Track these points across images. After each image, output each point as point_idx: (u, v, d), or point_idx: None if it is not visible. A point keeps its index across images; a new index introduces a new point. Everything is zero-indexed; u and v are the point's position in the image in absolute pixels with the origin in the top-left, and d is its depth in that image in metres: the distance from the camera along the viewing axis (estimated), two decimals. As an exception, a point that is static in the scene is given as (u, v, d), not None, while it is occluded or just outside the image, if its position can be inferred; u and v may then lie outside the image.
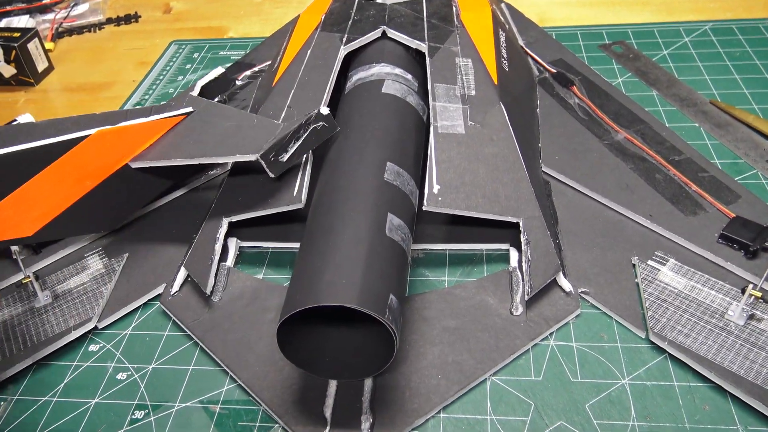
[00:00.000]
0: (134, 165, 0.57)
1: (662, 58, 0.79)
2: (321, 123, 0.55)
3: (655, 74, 0.76)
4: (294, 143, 0.54)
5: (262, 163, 0.53)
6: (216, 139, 0.56)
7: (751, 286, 0.47)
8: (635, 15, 0.90)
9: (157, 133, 0.59)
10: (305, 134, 0.55)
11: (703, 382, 0.45)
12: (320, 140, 0.56)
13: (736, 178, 0.60)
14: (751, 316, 0.47)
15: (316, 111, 0.55)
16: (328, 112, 0.56)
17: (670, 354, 0.47)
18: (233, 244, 0.59)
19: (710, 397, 0.44)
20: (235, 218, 0.56)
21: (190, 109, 0.61)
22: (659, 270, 0.52)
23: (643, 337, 0.48)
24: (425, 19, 0.69)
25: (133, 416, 0.47)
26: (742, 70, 0.75)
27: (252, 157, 0.52)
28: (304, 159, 0.56)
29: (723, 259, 0.52)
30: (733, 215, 0.54)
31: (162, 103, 0.77)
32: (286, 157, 0.54)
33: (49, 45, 0.97)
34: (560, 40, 0.83)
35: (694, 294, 0.50)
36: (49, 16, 1.04)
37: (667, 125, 0.67)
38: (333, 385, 0.47)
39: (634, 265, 0.53)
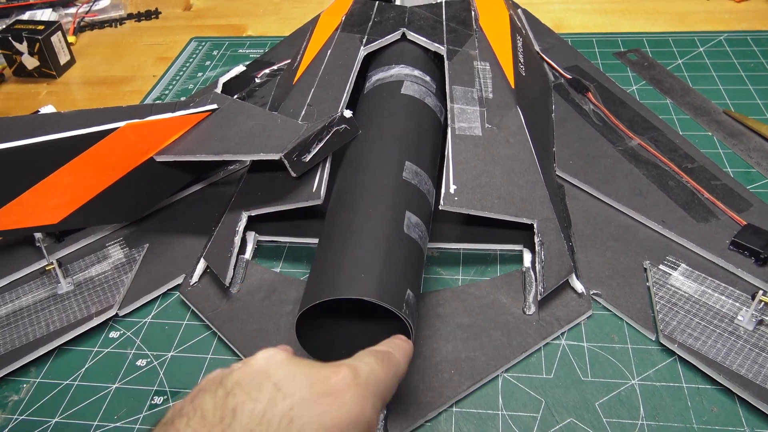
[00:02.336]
0: (159, 159, 0.58)
1: (677, 67, 0.80)
2: (343, 126, 0.57)
3: (670, 83, 0.77)
4: (317, 144, 0.56)
5: (285, 162, 0.54)
6: (240, 137, 0.57)
7: (761, 292, 0.48)
8: (650, 24, 0.91)
9: (182, 129, 0.61)
10: (328, 136, 0.57)
11: (712, 385, 0.46)
12: (342, 142, 0.57)
13: (748, 187, 0.61)
14: (761, 322, 0.48)
15: (339, 113, 0.57)
16: (351, 114, 0.57)
17: (679, 356, 0.47)
18: (251, 237, 0.60)
19: (718, 400, 0.45)
20: (254, 212, 0.58)
21: (214, 106, 0.63)
22: (670, 274, 0.53)
23: (653, 339, 0.49)
24: (444, 23, 0.70)
25: (153, 402, 0.48)
26: (756, 81, 0.76)
27: (276, 156, 0.54)
28: (323, 156, 0.58)
29: (734, 266, 0.53)
30: (745, 223, 0.55)
31: (183, 98, 0.79)
32: (308, 157, 0.56)
33: (71, 39, 0.99)
34: (576, 47, 0.84)
35: (705, 299, 0.50)
36: (72, 10, 1.06)
37: (680, 133, 0.68)
38: (348, 376, 0.48)
39: (645, 269, 0.54)
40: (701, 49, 0.83)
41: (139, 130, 0.57)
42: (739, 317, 0.49)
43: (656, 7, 0.95)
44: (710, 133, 0.69)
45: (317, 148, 0.56)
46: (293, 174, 0.55)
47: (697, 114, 0.72)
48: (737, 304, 0.50)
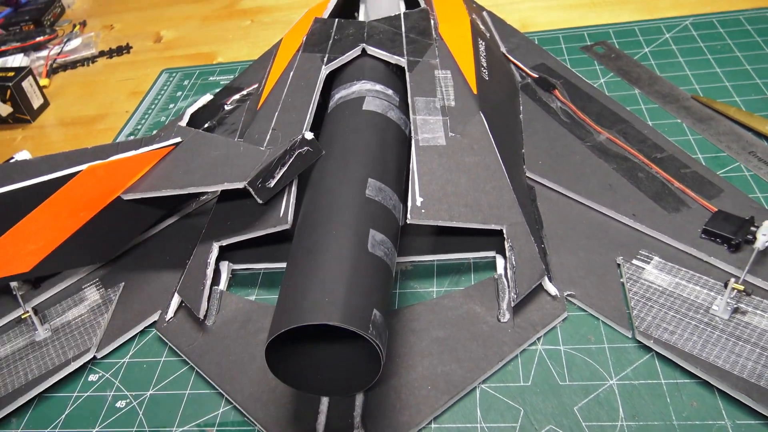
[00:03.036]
0: (126, 197, 0.58)
1: (644, 56, 0.80)
2: (306, 148, 0.57)
3: (637, 72, 0.77)
4: (280, 169, 0.56)
5: (250, 190, 0.55)
6: (204, 168, 0.58)
7: (733, 279, 0.48)
8: (616, 15, 0.91)
9: (147, 165, 0.61)
10: (291, 159, 0.57)
11: (691, 379, 0.45)
12: (306, 165, 0.57)
13: (719, 172, 0.60)
14: (736, 310, 0.48)
15: (300, 136, 0.57)
16: (312, 136, 0.57)
17: (656, 352, 0.47)
18: (225, 267, 0.60)
19: (698, 393, 0.45)
20: (225, 242, 0.58)
21: (178, 140, 0.63)
22: (644, 269, 0.52)
23: (630, 336, 0.49)
24: (404, 34, 0.70)
25: (133, 443, 0.48)
26: (723, 63, 0.75)
27: (240, 185, 0.54)
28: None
29: (706, 254, 0.52)
30: (716, 209, 0.55)
31: (154, 132, 0.79)
32: (273, 182, 0.56)
33: (44, 81, 0.99)
34: (542, 45, 0.84)
35: (679, 291, 0.50)
36: (43, 53, 1.06)
37: (649, 123, 0.67)
38: (325, 401, 0.48)
39: (618, 265, 0.53)
40: (667, 36, 0.83)
41: (103, 170, 0.57)
42: (714, 307, 0.48)
43: (621, -4, 0.95)
44: (679, 120, 0.69)
45: (281, 173, 0.56)
46: (259, 201, 0.56)
47: (665, 102, 0.71)
48: (712, 293, 0.49)
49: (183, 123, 0.74)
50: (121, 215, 0.60)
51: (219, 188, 0.56)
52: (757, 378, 0.43)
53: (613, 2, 0.94)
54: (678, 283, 0.51)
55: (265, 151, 0.57)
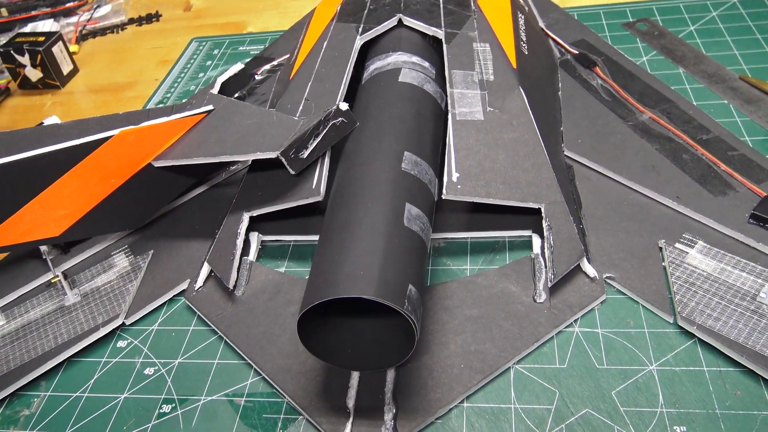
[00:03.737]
0: (157, 164, 0.58)
1: (689, 34, 0.77)
2: (340, 119, 0.55)
3: (682, 51, 0.74)
4: (314, 139, 0.55)
5: (283, 159, 0.53)
6: (236, 137, 0.57)
7: (783, 266, 0.46)
8: (660, -9, 0.87)
9: (178, 132, 0.60)
10: (325, 130, 0.55)
11: (735, 367, 0.44)
12: (340, 136, 0.56)
13: (768, 156, 0.58)
14: (785, 298, 0.46)
15: (335, 107, 0.55)
16: (347, 107, 0.56)
17: (699, 339, 0.45)
18: (255, 238, 0.59)
19: (742, 383, 0.43)
20: (255, 213, 0.57)
21: (210, 107, 0.62)
22: (687, 253, 0.50)
23: (671, 321, 0.47)
24: (441, 5, 0.68)
25: (161, 410, 0.48)
26: (773, 43, 0.72)
27: (273, 155, 0.53)
28: (322, 152, 0.56)
29: (754, 240, 0.50)
30: (765, 194, 0.53)
31: (183, 101, 0.78)
32: (306, 153, 0.55)
33: (73, 48, 0.99)
34: (582, 21, 0.81)
35: (724, 276, 0.48)
36: (73, 19, 1.06)
37: (694, 103, 0.65)
38: (355, 376, 0.47)
39: (660, 248, 0.52)
40: (714, 14, 0.79)
41: (135, 136, 0.57)
42: (762, 294, 0.46)
43: (666, -28, 0.91)
44: (726, 101, 0.66)
45: (315, 144, 0.55)
46: (292, 171, 0.54)
47: (711, 82, 0.69)
48: (759, 280, 0.47)
49: (214, 91, 0.73)
50: (151, 182, 0.59)
51: (251, 157, 0.55)
52: (807, 369, 0.42)
53: (656, -22, 0.90)
54: (723, 268, 0.49)
55: (299, 121, 0.56)
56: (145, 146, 0.58)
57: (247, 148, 0.55)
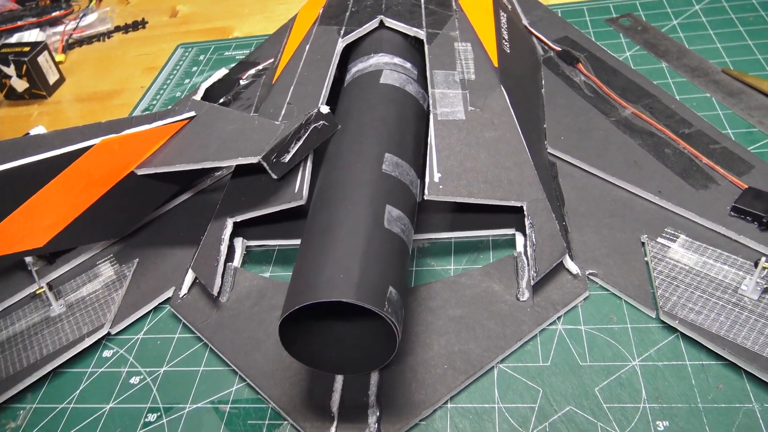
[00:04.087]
0: (140, 172, 0.58)
1: (672, 28, 0.77)
2: (321, 122, 0.56)
3: (665, 45, 0.74)
4: (295, 143, 0.55)
5: (264, 164, 0.53)
6: (218, 143, 0.57)
7: (764, 258, 0.46)
8: (644, -15, 0.87)
9: (161, 139, 0.60)
10: (306, 134, 0.55)
11: (717, 360, 0.44)
12: (321, 139, 0.56)
13: (750, 148, 0.58)
14: (766, 290, 0.46)
15: (316, 110, 0.55)
16: (328, 110, 0.56)
17: (681, 333, 0.45)
18: (240, 244, 0.59)
19: (724, 376, 0.43)
20: (239, 218, 0.57)
21: (192, 114, 0.62)
22: (669, 247, 0.50)
23: (654, 316, 0.47)
24: (423, 6, 0.68)
25: (147, 419, 0.48)
26: (755, 36, 0.72)
27: (254, 160, 0.53)
28: (304, 155, 0.56)
29: (735, 233, 0.50)
30: (746, 186, 0.53)
31: (168, 107, 0.78)
32: (288, 157, 0.55)
33: (60, 57, 0.99)
34: (566, 17, 0.81)
35: (706, 270, 0.48)
36: (59, 28, 1.06)
37: (677, 97, 0.65)
38: (339, 380, 0.47)
39: (643, 243, 0.52)
40: (697, 7, 0.80)
41: (116, 144, 0.57)
42: (743, 287, 0.46)
43: (649, -34, 0.91)
44: (708, 95, 0.66)
45: (296, 148, 0.55)
46: (274, 176, 0.54)
47: (694, 76, 0.69)
48: (740, 273, 0.47)
49: (198, 97, 0.73)
50: (134, 190, 0.59)
51: (233, 163, 0.55)
52: (788, 361, 0.42)
53: (640, -27, 0.90)
54: (705, 262, 0.49)
55: (280, 125, 0.56)
56: (127, 154, 0.58)
57: (229, 153, 0.55)
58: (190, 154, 0.57)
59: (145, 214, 0.63)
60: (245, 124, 0.58)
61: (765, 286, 0.46)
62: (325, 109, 0.56)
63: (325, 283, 0.41)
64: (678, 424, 0.41)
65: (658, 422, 0.41)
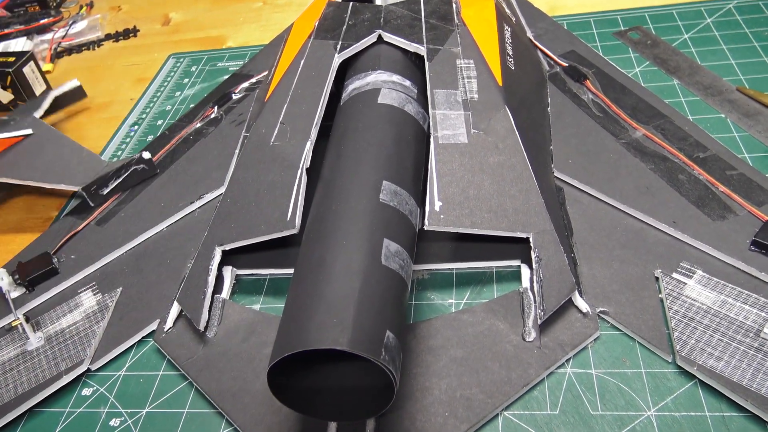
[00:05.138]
0: None
1: (683, 43, 0.74)
2: (141, 165, 0.66)
3: (676, 61, 0.71)
4: (115, 180, 0.65)
5: (84, 194, 0.64)
6: (47, 165, 0.67)
7: (788, 300, 0.43)
8: (653, -3, 0.84)
9: None
10: (125, 173, 0.66)
11: (739, 412, 0.41)
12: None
13: (769, 174, 0.55)
14: (791, 334, 0.43)
15: (138, 155, 0.66)
16: (149, 156, 0.66)
17: (700, 380, 0.42)
18: (229, 273, 0.56)
19: (747, 428, 0.40)
20: (228, 247, 0.54)
21: (29, 131, 0.72)
22: (685, 284, 0.47)
23: (670, 361, 0.44)
24: (423, 20, 0.65)
25: (126, 467, 0.45)
26: (771, 52, 0.69)
27: (76, 188, 0.64)
28: (297, 180, 0.53)
29: (757, 269, 0.47)
30: (766, 218, 0.49)
31: (159, 121, 0.76)
32: (106, 191, 0.65)
33: (47, 66, 0.96)
34: (572, 30, 0.78)
35: (725, 310, 0.45)
36: (48, 36, 1.02)
37: (690, 118, 0.62)
38: (333, 427, 0.44)
39: (657, 278, 0.49)
40: (709, 21, 0.76)
41: None
42: (766, 330, 0.43)
43: (658, -23, 0.88)
44: (723, 115, 0.63)
45: (115, 184, 0.65)
46: (92, 204, 0.65)
47: (707, 94, 0.66)
48: (762, 313, 0.44)
49: (46, 104, 0.80)
50: None
51: (57, 187, 0.65)
52: (817, 415, 0.39)
53: (649, -17, 0.87)
54: (724, 301, 0.46)
55: (105, 162, 0.69)
56: None
57: (54, 178, 0.66)
58: (19, 170, 0.67)
59: None
60: (75, 153, 0.69)
61: (790, 329, 0.43)
62: (146, 155, 0.66)
63: (317, 329, 0.38)
64: (698, 484, 0.38)
65: (676, 482, 0.38)
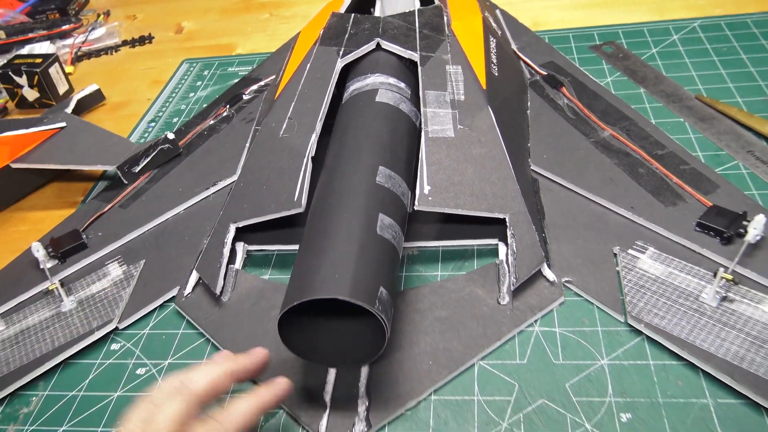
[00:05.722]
0: (15, 165, 0.76)
1: (651, 56, 0.82)
2: (167, 145, 0.74)
3: (643, 72, 0.79)
4: (144, 159, 0.73)
5: (119, 172, 0.72)
6: (83, 151, 0.76)
7: (722, 269, 0.50)
8: (627, 15, 0.93)
9: (35, 142, 0.78)
10: (154, 153, 0.73)
11: (677, 361, 0.48)
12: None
13: (717, 170, 0.63)
14: (724, 298, 0.50)
15: (163, 135, 0.74)
16: (173, 137, 0.74)
17: (646, 336, 0.50)
18: (241, 248, 0.63)
19: (683, 374, 0.47)
20: (241, 224, 0.61)
21: (63, 124, 0.81)
22: (639, 258, 0.55)
23: (622, 321, 0.51)
24: (417, 30, 0.73)
25: (152, 407, 0.51)
26: (728, 65, 0.78)
27: (111, 168, 0.73)
28: (303, 167, 0.61)
29: (699, 246, 0.55)
30: (711, 204, 0.57)
31: (176, 119, 0.83)
32: (138, 169, 0.73)
33: (69, 68, 1.03)
34: (553, 43, 0.86)
35: (671, 279, 0.53)
36: (69, 41, 1.10)
37: (652, 121, 0.70)
38: (332, 373, 0.51)
39: (615, 254, 0.56)
40: (675, 37, 0.85)
41: None
42: (704, 295, 0.51)
43: (633, -3, 0.97)
44: (682, 119, 0.71)
45: (145, 162, 0.73)
46: (125, 181, 0.73)
47: (669, 101, 0.74)
48: (702, 282, 0.52)
49: (69, 108, 0.87)
50: (8, 179, 0.76)
51: (94, 168, 0.76)
52: (740, 361, 0.46)
53: (624, 3, 0.96)
54: (671, 272, 0.53)
55: (134, 144, 0.77)
56: (5, 150, 0.75)
57: (91, 160, 0.74)
58: (58, 157, 0.76)
59: (14, 200, 0.78)
60: (106, 139, 0.77)
61: (723, 294, 0.50)
62: (171, 136, 0.74)
63: (322, 282, 0.45)
64: (640, 417, 0.45)
65: (621, 414, 0.45)
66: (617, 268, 0.55)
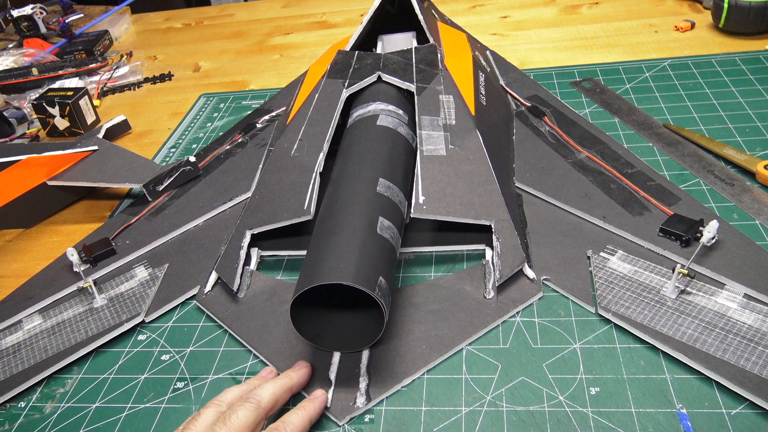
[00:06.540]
0: (51, 183, 0.84)
1: (625, 91, 0.91)
2: (189, 167, 0.82)
3: (618, 104, 0.88)
4: (168, 179, 0.81)
5: (144, 190, 0.81)
6: (113, 171, 0.84)
7: (679, 265, 0.57)
8: (605, 56, 1.02)
9: (69, 162, 0.87)
10: (176, 173, 0.82)
11: (641, 344, 0.55)
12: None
13: (681, 186, 0.70)
14: (683, 291, 0.57)
15: (186, 158, 0.83)
16: (195, 159, 0.83)
17: (614, 324, 0.56)
18: (255, 253, 0.70)
19: (645, 355, 0.54)
20: (256, 230, 0.68)
21: (95, 147, 0.89)
22: (609, 259, 0.62)
23: (593, 311, 0.58)
24: (414, 65, 0.82)
25: (176, 387, 0.58)
26: (693, 98, 0.86)
27: (137, 186, 0.82)
28: (312, 181, 0.68)
29: (662, 249, 0.62)
30: (672, 213, 0.65)
31: (195, 146, 0.91)
32: (161, 188, 0.81)
33: (96, 102, 1.12)
34: (537, 80, 0.95)
35: (636, 276, 0.60)
36: (96, 77, 1.20)
37: (625, 146, 0.78)
38: (336, 355, 0.57)
39: (588, 257, 0.63)
40: (647, 75, 0.94)
41: (36, 161, 0.83)
42: (664, 289, 0.58)
43: (610, 41, 1.07)
44: (651, 144, 0.79)
45: (168, 182, 0.81)
46: (150, 199, 0.81)
47: (640, 129, 0.82)
48: (663, 279, 0.59)
49: (101, 135, 0.95)
50: (44, 196, 0.84)
51: (123, 186, 0.84)
52: (694, 342, 0.53)
53: (602, 45, 1.06)
54: (636, 270, 0.60)
55: (158, 165, 0.86)
56: (42, 169, 0.83)
57: (119, 179, 0.83)
58: (90, 176, 0.84)
59: (49, 214, 0.85)
60: (133, 161, 0.86)
61: (681, 288, 0.57)
62: (192, 159, 0.83)
63: (329, 271, 0.53)
64: (607, 390, 0.51)
65: (591, 388, 0.52)
66: (590, 269, 0.62)
